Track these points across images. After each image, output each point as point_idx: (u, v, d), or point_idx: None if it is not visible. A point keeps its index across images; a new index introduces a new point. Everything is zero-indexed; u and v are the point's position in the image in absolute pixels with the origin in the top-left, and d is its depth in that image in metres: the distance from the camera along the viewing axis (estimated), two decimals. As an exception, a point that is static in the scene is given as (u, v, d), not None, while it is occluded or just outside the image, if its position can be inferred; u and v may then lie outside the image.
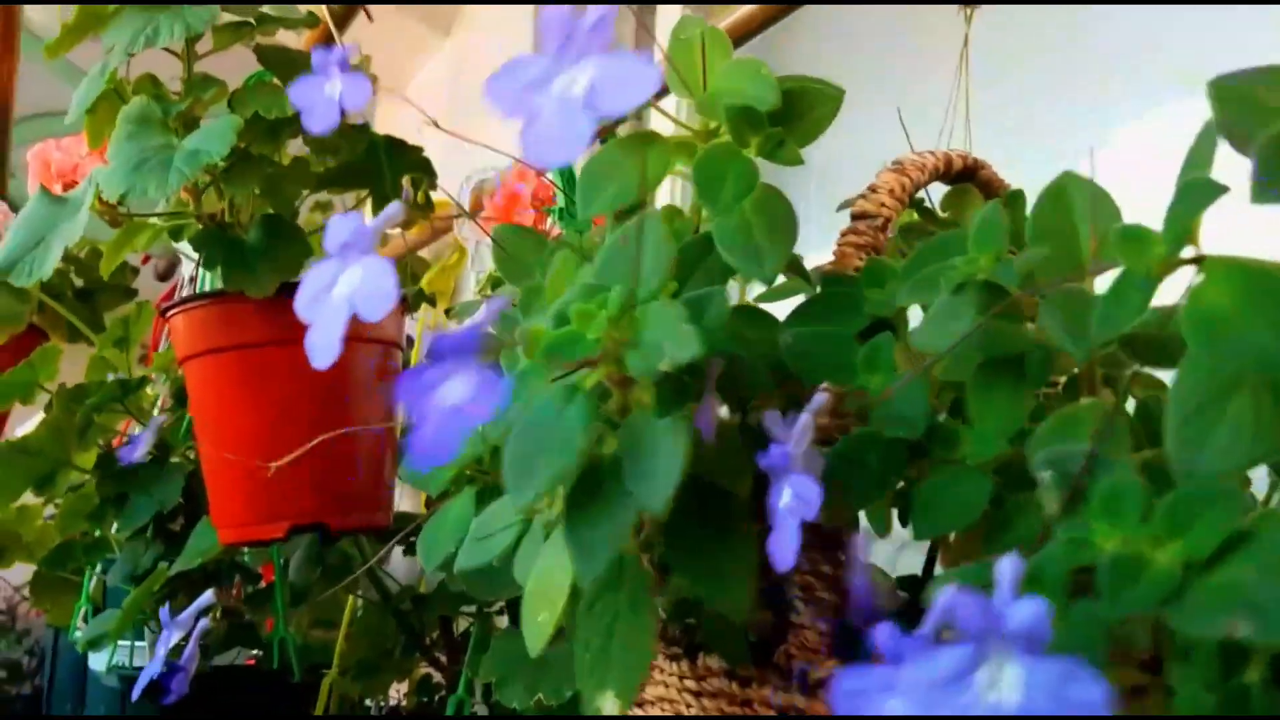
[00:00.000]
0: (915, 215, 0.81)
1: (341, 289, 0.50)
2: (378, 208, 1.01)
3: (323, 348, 0.49)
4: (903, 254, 0.76)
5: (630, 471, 0.54)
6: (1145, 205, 0.53)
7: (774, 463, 0.53)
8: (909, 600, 0.76)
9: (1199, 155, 0.49)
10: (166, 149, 0.92)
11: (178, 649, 0.74)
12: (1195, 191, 0.47)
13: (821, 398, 0.55)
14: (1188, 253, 0.48)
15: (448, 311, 1.33)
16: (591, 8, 0.44)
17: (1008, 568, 0.40)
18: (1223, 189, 0.47)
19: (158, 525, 1.14)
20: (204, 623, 0.76)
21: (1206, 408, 0.47)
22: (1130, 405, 0.63)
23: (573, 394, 0.54)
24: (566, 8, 0.44)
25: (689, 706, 0.71)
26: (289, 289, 0.94)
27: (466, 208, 1.33)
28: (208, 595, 0.77)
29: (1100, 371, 0.56)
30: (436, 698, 1.18)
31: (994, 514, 0.56)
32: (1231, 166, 0.47)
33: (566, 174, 1.03)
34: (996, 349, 0.54)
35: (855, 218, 0.70)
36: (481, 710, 1.03)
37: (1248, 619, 0.37)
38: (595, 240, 0.84)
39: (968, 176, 0.80)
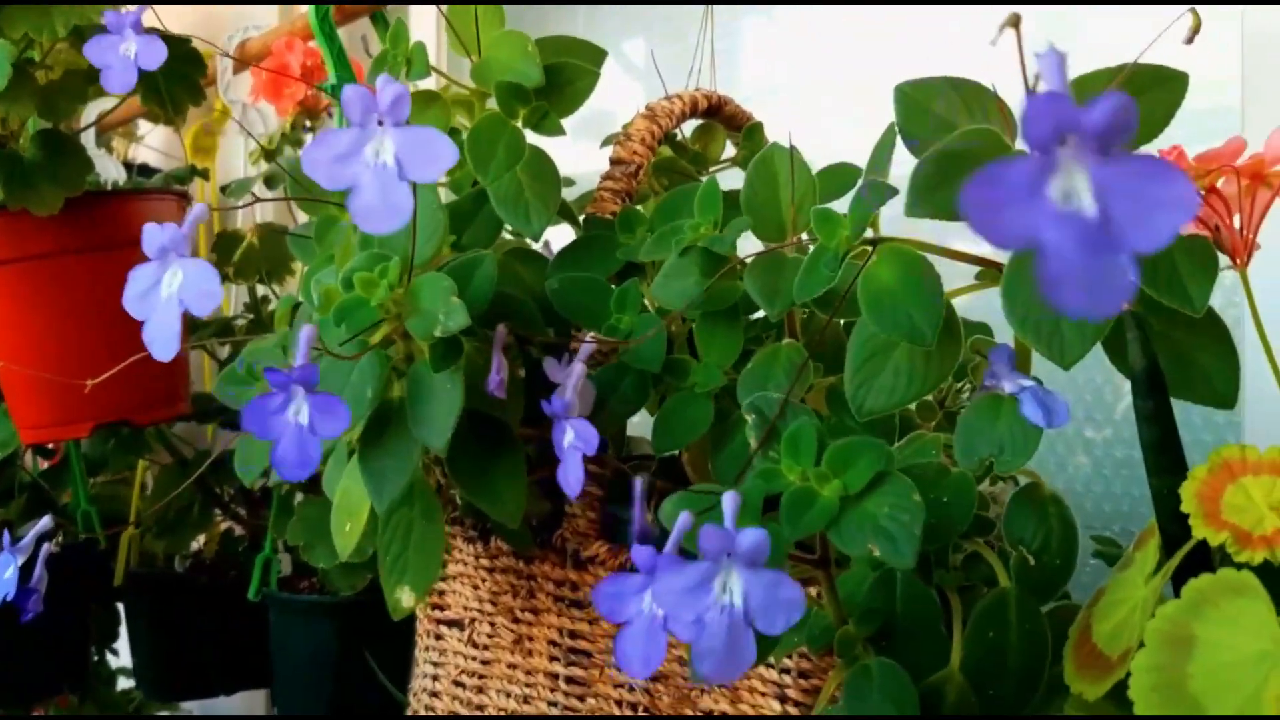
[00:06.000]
0: (669, 150, 0.85)
1: (169, 288, 0.52)
2: (147, 100, 0.94)
3: (162, 341, 0.52)
4: (656, 193, 0.81)
5: (413, 415, 0.58)
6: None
7: (556, 409, 0.58)
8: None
9: (879, 155, 0.55)
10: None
11: (26, 570, 0.75)
12: (872, 192, 0.53)
13: (590, 347, 0.61)
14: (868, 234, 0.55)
15: (224, 189, 1.27)
16: (387, 86, 0.47)
17: (729, 502, 0.48)
18: (893, 191, 0.53)
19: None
20: (48, 546, 0.78)
21: (874, 357, 0.55)
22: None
23: (362, 349, 0.59)
24: (364, 89, 0.47)
25: (484, 580, 0.78)
26: (72, 201, 0.90)
27: (229, 66, 1.25)
28: (46, 521, 0.77)
29: (800, 314, 0.64)
30: (240, 549, 1.19)
31: (718, 427, 0.64)
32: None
33: (335, 49, 0.93)
34: (714, 303, 0.61)
35: (612, 163, 0.74)
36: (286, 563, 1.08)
37: (880, 543, 0.46)
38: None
39: (714, 113, 0.84)
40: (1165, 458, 0.49)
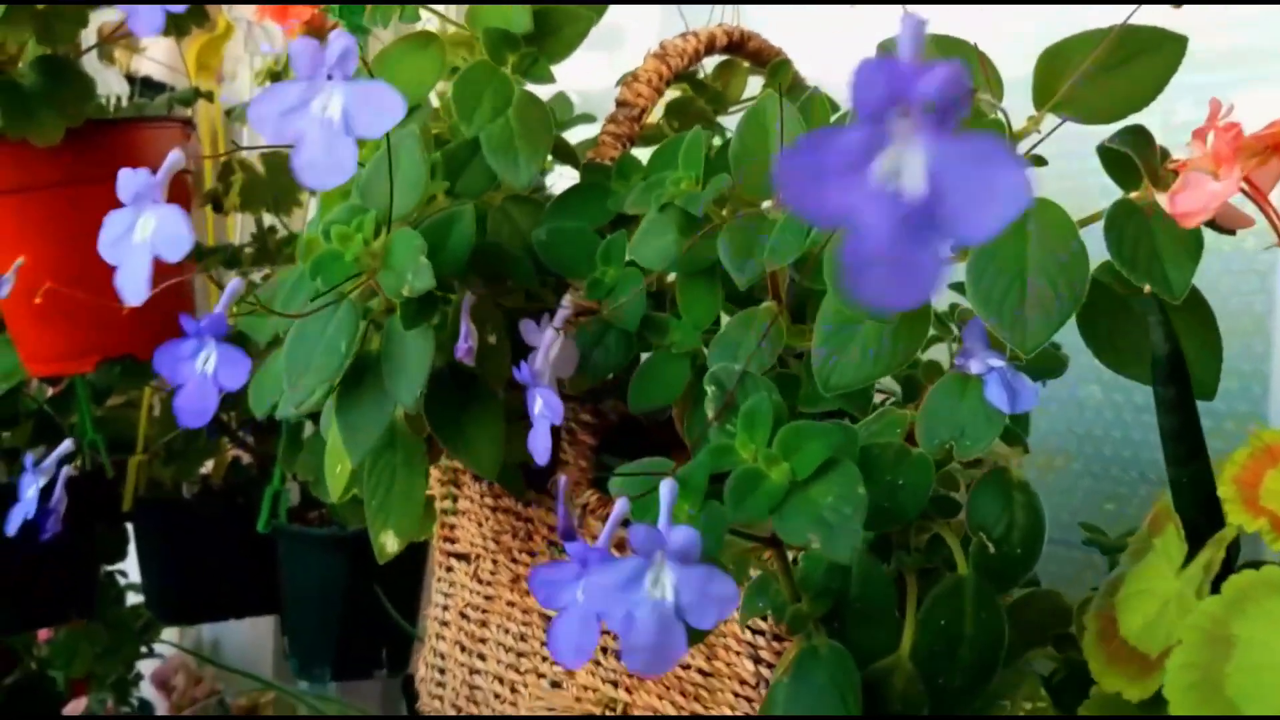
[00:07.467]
0: (688, 89, 0.82)
1: (141, 234, 0.52)
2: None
3: (133, 287, 0.52)
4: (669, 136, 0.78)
5: (387, 370, 0.58)
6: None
7: (524, 377, 0.57)
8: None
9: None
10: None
11: (46, 491, 0.77)
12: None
13: (565, 312, 0.60)
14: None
15: (229, 113, 1.25)
16: (337, 39, 0.46)
17: (666, 493, 0.46)
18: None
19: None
20: (67, 469, 0.80)
21: (843, 329, 0.53)
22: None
23: (340, 301, 0.59)
24: (313, 41, 0.46)
25: (487, 519, 0.78)
26: (74, 130, 0.86)
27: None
28: (67, 444, 0.79)
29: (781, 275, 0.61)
30: (248, 476, 1.19)
31: (696, 386, 0.62)
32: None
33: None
34: (692, 265, 0.59)
35: (617, 105, 0.72)
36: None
37: (820, 533, 0.44)
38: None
39: (737, 49, 0.81)
40: (1184, 446, 0.48)
